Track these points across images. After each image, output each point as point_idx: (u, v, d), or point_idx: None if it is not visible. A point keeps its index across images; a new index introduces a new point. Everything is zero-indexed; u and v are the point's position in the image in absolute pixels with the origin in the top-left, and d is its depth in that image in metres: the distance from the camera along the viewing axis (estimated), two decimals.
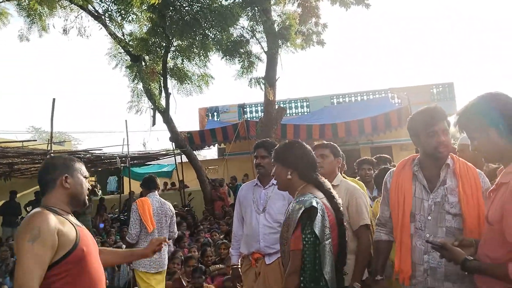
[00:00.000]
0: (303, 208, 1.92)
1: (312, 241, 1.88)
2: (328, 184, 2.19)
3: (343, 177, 3.18)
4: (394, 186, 2.16)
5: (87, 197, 2.04)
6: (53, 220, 1.77)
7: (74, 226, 1.86)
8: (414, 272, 2.03)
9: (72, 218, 1.93)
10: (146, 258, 2.47)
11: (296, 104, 17.08)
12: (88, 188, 2.06)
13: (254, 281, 3.06)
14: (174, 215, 4.75)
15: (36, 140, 10.26)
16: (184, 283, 4.87)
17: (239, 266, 3.29)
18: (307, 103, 16.96)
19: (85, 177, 2.04)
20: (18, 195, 11.29)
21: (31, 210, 1.87)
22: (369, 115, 12.72)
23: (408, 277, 2.01)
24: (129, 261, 2.22)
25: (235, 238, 3.34)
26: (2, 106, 61.25)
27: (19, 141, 9.22)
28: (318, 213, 1.92)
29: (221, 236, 7.08)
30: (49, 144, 8.71)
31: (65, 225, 1.81)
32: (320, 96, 17.11)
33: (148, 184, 4.68)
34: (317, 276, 1.86)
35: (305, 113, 16.63)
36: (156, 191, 4.66)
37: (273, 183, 3.20)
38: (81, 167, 2.03)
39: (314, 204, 1.93)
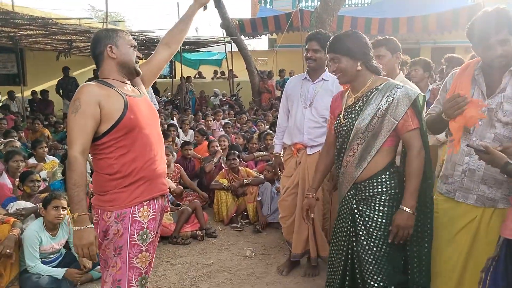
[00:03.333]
0: (417, 94, 1.99)
1: (423, 128, 2.02)
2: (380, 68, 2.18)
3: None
4: (453, 88, 2.11)
5: (137, 66, 2.06)
6: (94, 92, 1.88)
7: (122, 96, 1.93)
8: (452, 171, 2.07)
9: (124, 88, 2.00)
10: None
11: None
12: (138, 57, 2.06)
13: (294, 169, 3.23)
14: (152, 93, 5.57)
15: (92, 18, 10.45)
16: (223, 166, 5.23)
17: (282, 155, 3.45)
18: None
19: (132, 46, 2.04)
20: (76, 72, 11.83)
21: None
22: (436, 10, 11.56)
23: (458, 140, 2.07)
24: (191, 17, 2.20)
25: (279, 129, 3.44)
26: None
27: (76, 18, 9.41)
28: (419, 99, 2.01)
29: (267, 127, 7.30)
30: (105, 23, 8.85)
31: (110, 97, 1.90)
32: None
33: None
34: (427, 152, 2.03)
35: (365, 5, 15.46)
36: None
37: (323, 78, 3.16)
38: (125, 37, 2.03)
39: (414, 94, 2.00)
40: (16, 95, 10.51)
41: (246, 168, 5.18)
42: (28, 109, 10.67)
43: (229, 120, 8.53)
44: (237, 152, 5.15)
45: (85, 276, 3.20)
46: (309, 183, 3.13)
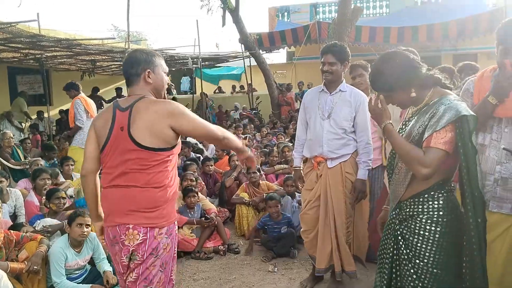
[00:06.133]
0: (460, 113, 1.71)
1: (470, 146, 1.72)
2: (442, 77, 1.94)
3: None
4: (476, 94, 2.09)
5: (166, 92, 2.17)
6: None
7: None
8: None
9: None
10: None
11: (374, 4, 15.74)
12: (168, 83, 2.15)
13: (315, 182, 3.20)
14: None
15: (115, 38, 10.71)
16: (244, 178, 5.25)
17: (301, 168, 3.43)
18: (387, 2, 15.53)
19: (165, 73, 2.12)
20: (101, 91, 12.23)
21: None
22: (456, 17, 11.41)
23: None
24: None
25: (298, 142, 3.42)
26: (82, 5, 63.54)
27: (99, 39, 9.70)
28: (475, 119, 1.75)
29: (287, 140, 7.30)
30: (127, 43, 9.10)
31: None
32: None
33: (78, 87, 5.87)
34: (473, 183, 1.73)
35: (384, 14, 15.37)
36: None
37: (340, 90, 3.15)
38: (162, 63, 2.10)
39: (472, 112, 1.75)
40: (44, 115, 10.87)
41: (266, 181, 5.17)
42: (54, 128, 11.00)
43: (249, 134, 8.57)
44: (257, 166, 5.16)
45: None
46: (331, 196, 3.11)
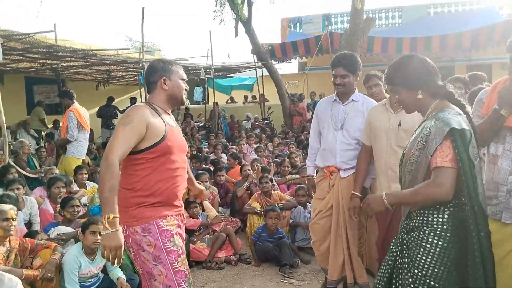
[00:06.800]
0: (450, 127, 1.74)
1: (466, 160, 1.73)
2: (456, 93, 1.95)
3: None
4: (487, 102, 2.08)
5: (185, 97, 2.28)
6: (146, 113, 2.08)
7: (165, 123, 2.13)
8: (496, 192, 2.01)
9: (166, 117, 2.20)
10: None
11: (387, 15, 15.73)
12: (186, 89, 2.26)
13: (327, 192, 3.19)
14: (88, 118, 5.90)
15: (129, 49, 10.91)
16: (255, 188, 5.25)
17: (314, 177, 3.42)
18: (400, 13, 15.51)
19: (183, 79, 2.24)
20: (115, 101, 12.42)
21: None
22: (470, 28, 11.33)
23: None
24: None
25: (311, 151, 3.42)
26: (98, 16, 64.80)
27: (114, 49, 9.87)
28: (467, 132, 1.76)
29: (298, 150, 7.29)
30: (141, 53, 9.23)
31: (156, 122, 2.09)
32: (415, 5, 15.48)
33: (71, 95, 5.67)
34: (473, 197, 1.74)
35: (397, 25, 15.33)
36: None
37: (353, 100, 3.14)
38: (179, 70, 2.23)
39: (464, 126, 1.76)
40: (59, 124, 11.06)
41: (278, 192, 5.16)
42: None
43: (260, 144, 8.58)
44: (269, 176, 5.16)
45: None
46: (343, 207, 3.09)
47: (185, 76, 2.26)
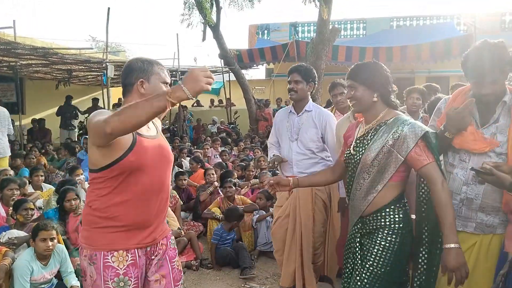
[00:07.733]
0: (424, 131, 1.89)
1: (439, 161, 1.90)
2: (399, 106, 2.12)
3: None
4: (443, 115, 2.13)
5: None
6: None
7: (133, 134, 1.73)
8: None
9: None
10: None
11: (351, 26, 16.22)
12: None
13: (286, 199, 3.23)
14: (9, 116, 6.21)
15: (92, 49, 10.63)
16: (220, 193, 5.21)
17: (278, 154, 3.29)
18: (364, 24, 16.04)
19: (165, 83, 1.88)
20: (76, 101, 11.98)
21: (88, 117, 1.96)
22: (429, 40, 11.87)
23: None
24: None
25: (272, 146, 3.38)
26: (61, 14, 62.74)
27: (77, 49, 9.58)
28: (432, 135, 1.92)
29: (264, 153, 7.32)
30: (105, 53, 9.01)
31: None
32: (378, 18, 16.04)
33: None
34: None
35: (361, 36, 15.84)
36: None
37: (306, 110, 3.19)
38: (160, 72, 1.87)
39: (427, 129, 1.93)
40: (15, 124, 10.56)
41: (241, 196, 5.16)
42: (25, 137, 10.70)
43: (225, 148, 8.56)
44: (233, 180, 5.14)
45: None
46: (300, 214, 3.12)
47: (168, 79, 1.90)
